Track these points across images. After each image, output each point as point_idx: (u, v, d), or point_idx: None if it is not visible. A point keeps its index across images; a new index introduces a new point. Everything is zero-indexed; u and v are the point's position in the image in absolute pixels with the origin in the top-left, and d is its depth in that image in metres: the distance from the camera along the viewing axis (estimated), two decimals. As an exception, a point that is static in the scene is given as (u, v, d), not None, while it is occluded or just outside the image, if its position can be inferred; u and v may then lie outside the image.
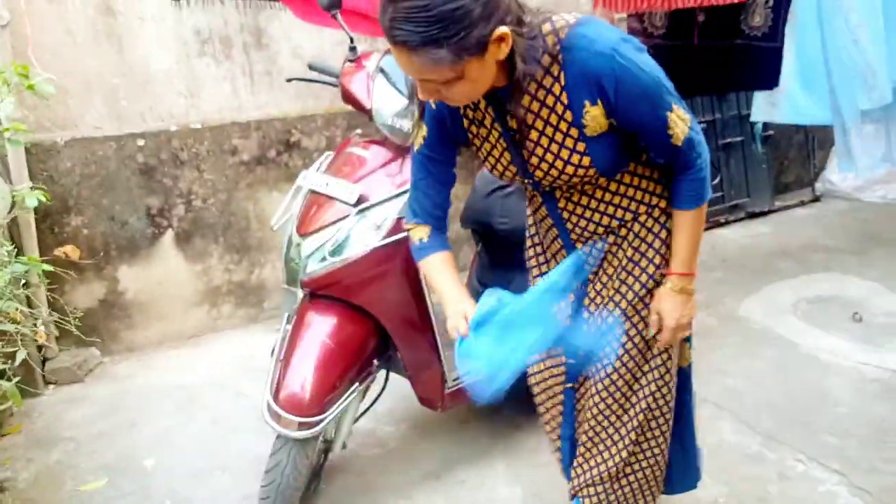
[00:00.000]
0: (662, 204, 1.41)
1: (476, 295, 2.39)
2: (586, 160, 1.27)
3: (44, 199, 2.20)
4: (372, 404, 2.19)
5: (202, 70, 3.28)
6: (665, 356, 1.46)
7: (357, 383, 1.92)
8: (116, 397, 2.75)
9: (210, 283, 3.19)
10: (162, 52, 3.15)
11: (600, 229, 1.42)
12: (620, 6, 2.78)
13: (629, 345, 1.45)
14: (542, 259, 1.61)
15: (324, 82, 2.15)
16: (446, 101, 1.23)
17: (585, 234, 1.43)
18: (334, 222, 1.87)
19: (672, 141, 1.26)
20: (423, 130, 1.40)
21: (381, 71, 1.97)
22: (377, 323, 1.93)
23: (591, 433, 1.55)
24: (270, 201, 3.23)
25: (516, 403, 2.46)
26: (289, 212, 2.04)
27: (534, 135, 1.28)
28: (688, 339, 1.56)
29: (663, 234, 1.42)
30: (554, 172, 1.30)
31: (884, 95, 3.40)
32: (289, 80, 2.17)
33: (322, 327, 1.89)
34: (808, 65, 3.41)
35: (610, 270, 1.45)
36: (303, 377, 1.80)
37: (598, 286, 1.47)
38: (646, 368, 1.47)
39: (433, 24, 1.06)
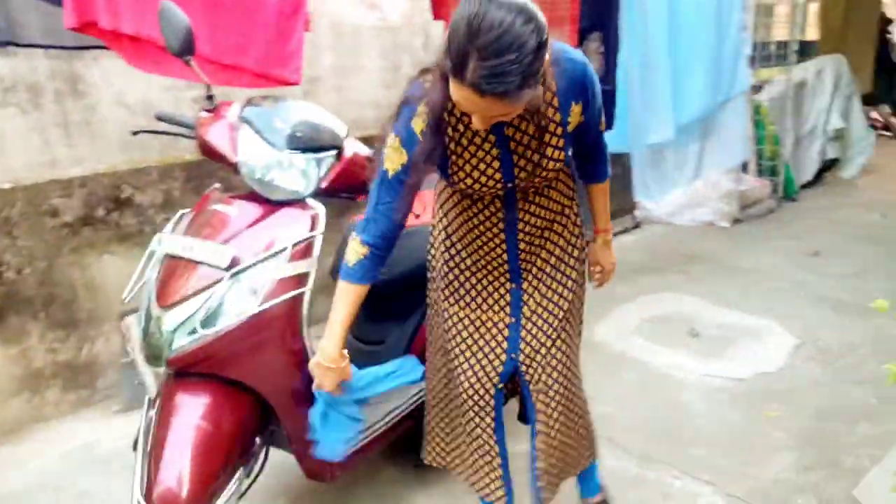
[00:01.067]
0: (575, 208, 1.75)
1: (351, 350, 2.29)
2: (562, 154, 1.53)
3: None
4: (250, 486, 1.97)
5: (5, 121, 2.87)
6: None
7: (241, 467, 1.72)
8: (-83, 520, 2.25)
9: (29, 367, 2.74)
10: (-48, 102, 2.72)
11: (543, 223, 1.68)
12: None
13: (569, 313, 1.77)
14: (458, 270, 1.76)
15: (176, 134, 1.95)
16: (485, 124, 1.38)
17: (533, 229, 1.67)
18: (203, 289, 1.67)
19: (600, 128, 1.66)
20: (404, 156, 1.48)
21: (245, 121, 1.83)
22: (256, 396, 1.75)
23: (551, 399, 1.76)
24: (101, 266, 2.86)
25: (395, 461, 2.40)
26: (142, 280, 1.80)
27: (525, 138, 1.49)
28: None
29: (577, 231, 1.77)
30: (537, 171, 1.53)
31: (668, 131, 3.91)
32: (135, 133, 1.94)
33: (195, 409, 1.67)
34: (622, 100, 3.77)
35: (544, 255, 1.72)
36: (179, 470, 1.58)
37: (535, 270, 1.72)
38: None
39: (521, 73, 1.21)
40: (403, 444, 2.30)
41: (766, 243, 4.75)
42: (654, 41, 3.77)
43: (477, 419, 1.78)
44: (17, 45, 2.74)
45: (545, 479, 1.78)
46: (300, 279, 1.73)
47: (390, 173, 1.50)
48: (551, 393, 1.75)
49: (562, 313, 1.74)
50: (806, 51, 6.09)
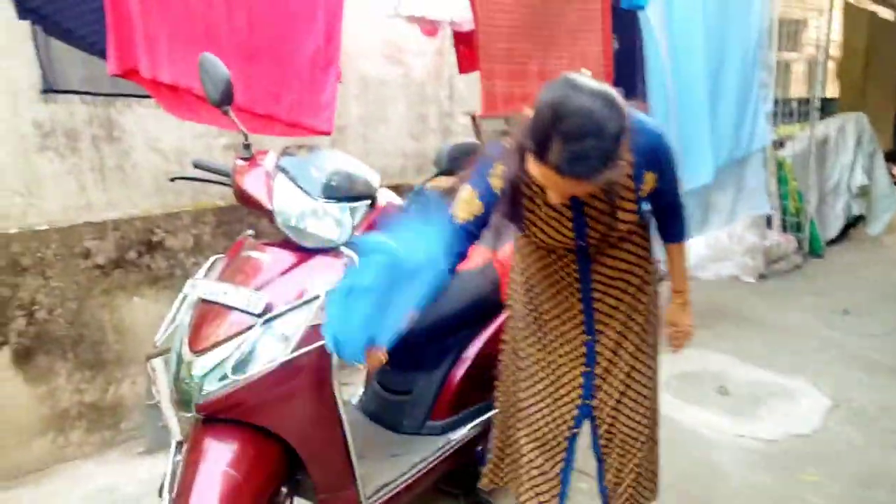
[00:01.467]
0: (648, 262, 1.78)
1: (376, 399, 2.27)
2: (634, 217, 1.61)
3: None
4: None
5: (43, 165, 2.94)
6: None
7: (266, 517, 1.69)
8: (-66, 561, 2.23)
9: (56, 407, 2.75)
10: (-5, 146, 2.79)
11: (616, 274, 1.73)
12: (498, 107, 2.91)
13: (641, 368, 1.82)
14: (537, 314, 1.84)
15: (213, 181, 1.98)
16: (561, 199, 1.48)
17: (606, 279, 1.74)
18: (235, 335, 1.67)
19: (677, 192, 1.70)
20: (477, 208, 1.55)
21: (281, 170, 1.86)
22: (283, 444, 1.73)
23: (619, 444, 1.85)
24: (131, 309, 2.89)
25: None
26: (174, 324, 1.81)
27: (598, 203, 1.57)
28: None
29: (649, 285, 1.80)
30: (609, 232, 1.62)
31: (708, 175, 3.90)
32: (172, 179, 1.98)
33: (223, 455, 1.65)
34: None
35: (618, 307, 1.77)
36: (205, 519, 1.55)
37: (610, 322, 1.79)
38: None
39: (602, 157, 1.28)
40: (429, 496, 2.26)
41: (794, 300, 4.68)
42: (680, 96, 3.80)
43: (546, 458, 1.86)
44: (56, 91, 2.84)
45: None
46: (332, 327, 1.72)
47: (459, 220, 1.56)
48: (617, 438, 1.84)
49: (629, 365, 1.81)
50: (827, 108, 6.12)
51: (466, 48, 3.43)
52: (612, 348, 1.81)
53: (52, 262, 2.68)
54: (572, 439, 1.86)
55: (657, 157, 1.56)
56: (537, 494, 1.89)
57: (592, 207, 1.59)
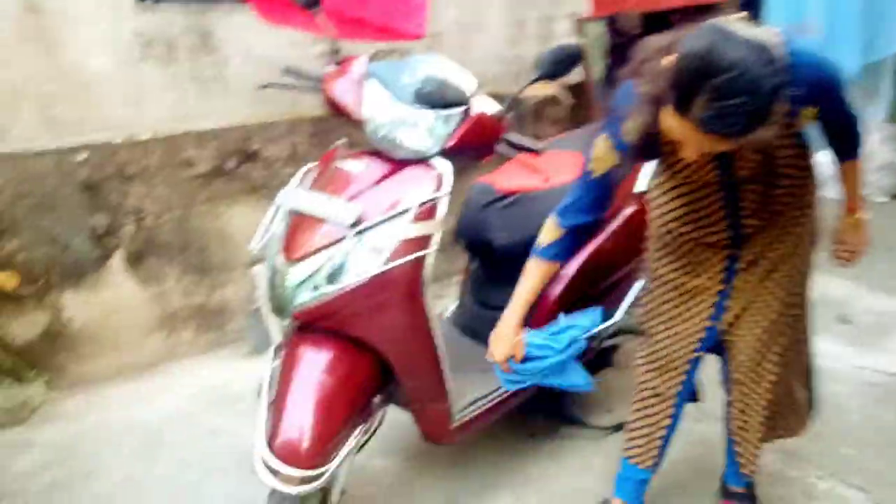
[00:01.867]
0: (810, 178, 1.60)
1: (471, 314, 2.23)
2: (791, 151, 1.48)
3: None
4: (367, 441, 1.98)
5: (146, 75, 2.98)
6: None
7: (360, 424, 1.72)
8: (68, 440, 2.45)
9: (167, 308, 2.91)
10: (99, 56, 2.84)
11: (769, 196, 1.55)
12: (610, 6, 2.67)
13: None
14: (673, 258, 1.73)
15: (303, 88, 1.93)
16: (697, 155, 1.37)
17: (755, 202, 1.56)
18: (327, 246, 1.65)
19: (847, 111, 1.49)
20: (614, 159, 1.54)
21: (372, 76, 1.77)
22: (377, 355, 1.74)
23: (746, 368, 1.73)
24: (231, 216, 2.96)
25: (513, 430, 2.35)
26: (268, 233, 1.82)
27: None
28: None
29: (808, 209, 1.64)
30: (758, 165, 1.48)
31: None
32: (263, 87, 1.94)
33: (318, 364, 1.68)
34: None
35: (770, 226, 1.60)
36: (301, 423, 1.60)
37: (758, 239, 1.62)
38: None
39: (751, 116, 1.17)
40: (520, 414, 2.25)
41: (930, 221, 4.24)
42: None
43: (664, 379, 1.78)
44: (155, 0, 2.84)
45: (742, 447, 1.82)
46: (424, 241, 1.68)
47: (596, 174, 1.57)
48: (747, 362, 1.71)
49: (776, 283, 1.66)
50: None
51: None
52: (756, 266, 1.65)
53: (156, 170, 2.77)
54: (694, 363, 1.76)
55: (818, 92, 1.37)
56: (646, 416, 1.82)
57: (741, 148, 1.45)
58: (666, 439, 1.83)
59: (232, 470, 2.26)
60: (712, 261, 1.67)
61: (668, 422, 1.81)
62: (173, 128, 2.89)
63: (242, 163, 2.96)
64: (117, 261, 2.76)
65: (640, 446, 1.84)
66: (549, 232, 1.69)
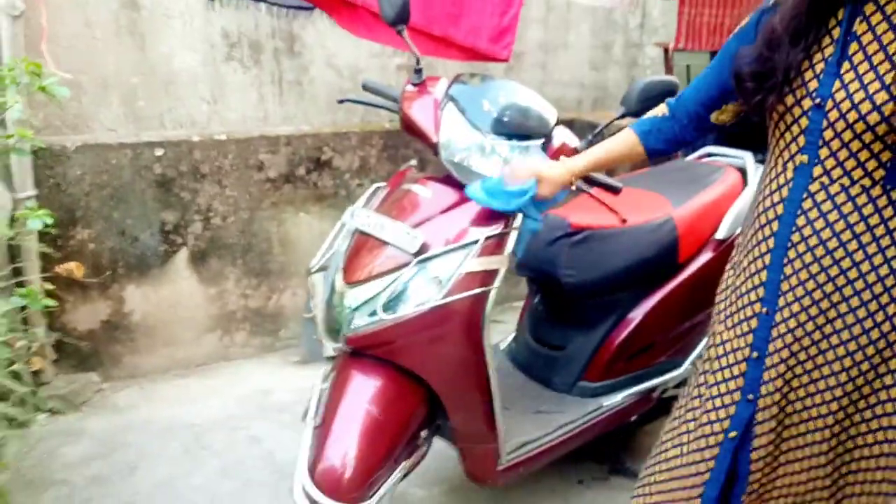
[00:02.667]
0: None
1: (527, 350, 2.13)
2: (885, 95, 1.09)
3: (49, 221, 1.92)
4: (409, 471, 1.91)
5: (228, 75, 3.03)
6: None
7: (404, 458, 1.66)
8: (116, 433, 2.47)
9: (224, 308, 2.92)
10: (186, 53, 2.90)
11: (834, 243, 1.19)
12: (703, 44, 2.56)
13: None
14: (729, 292, 1.39)
15: (380, 106, 1.89)
16: None
17: (809, 251, 1.22)
18: (389, 272, 1.60)
19: None
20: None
21: (452, 99, 1.71)
22: (427, 388, 1.67)
23: None
24: (296, 223, 2.96)
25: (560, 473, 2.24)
26: (331, 251, 1.78)
27: (860, 57, 1.13)
28: None
29: None
30: (853, 113, 1.13)
31: None
32: (341, 102, 1.91)
33: (366, 392, 1.62)
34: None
35: (821, 320, 1.24)
36: (345, 453, 1.54)
37: (805, 295, 1.24)
38: None
39: None
40: (570, 458, 2.15)
41: None
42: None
43: (686, 461, 1.41)
44: (244, -1, 2.87)
45: None
46: (488, 275, 1.60)
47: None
48: (778, 470, 1.34)
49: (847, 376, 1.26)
50: None
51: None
52: (804, 337, 1.27)
53: (228, 171, 2.79)
54: (725, 444, 1.35)
55: None
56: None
57: (854, 61, 1.15)
58: None
59: (268, 483, 2.24)
60: (742, 314, 1.35)
61: None
62: (249, 129, 2.92)
63: (312, 171, 2.95)
64: (181, 258, 2.78)
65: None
66: (655, 109, 1.53)
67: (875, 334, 1.21)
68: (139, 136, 2.69)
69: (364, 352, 1.65)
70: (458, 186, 1.70)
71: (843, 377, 1.24)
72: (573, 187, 1.64)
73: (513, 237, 1.63)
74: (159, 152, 2.65)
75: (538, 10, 3.79)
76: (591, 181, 1.77)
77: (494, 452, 1.81)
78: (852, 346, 1.22)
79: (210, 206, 2.78)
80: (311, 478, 1.51)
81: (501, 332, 2.44)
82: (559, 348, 2.16)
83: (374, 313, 1.59)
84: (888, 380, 1.23)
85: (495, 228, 1.61)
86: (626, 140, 1.53)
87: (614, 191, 1.78)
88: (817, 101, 1.17)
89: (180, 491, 2.19)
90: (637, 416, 2.17)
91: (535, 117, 1.70)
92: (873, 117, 1.11)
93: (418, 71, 1.78)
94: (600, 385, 2.11)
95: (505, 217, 1.62)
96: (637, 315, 2.10)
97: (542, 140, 1.70)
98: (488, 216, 1.62)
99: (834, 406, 1.26)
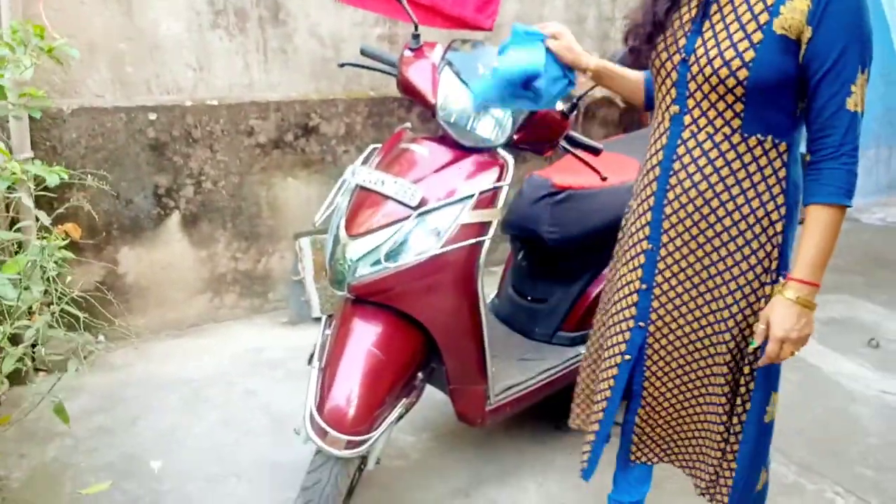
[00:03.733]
0: (775, 188, 1.34)
1: (510, 304, 2.27)
2: (749, 54, 1.23)
3: (65, 176, 2.00)
4: (408, 409, 2.05)
5: (214, 42, 3.07)
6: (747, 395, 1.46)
7: (403, 397, 1.79)
8: (115, 389, 2.57)
9: (215, 271, 3.01)
10: (173, 19, 2.94)
11: (704, 185, 1.36)
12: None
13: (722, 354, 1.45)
14: (624, 232, 1.58)
15: (379, 70, 1.99)
16: None
17: (687, 185, 1.38)
18: (390, 224, 1.72)
19: (847, 104, 1.21)
20: None
21: (448, 63, 1.83)
22: (425, 333, 1.81)
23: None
24: (284, 188, 3.05)
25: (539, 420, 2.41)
26: (332, 206, 1.89)
27: (717, 17, 1.29)
28: (775, 387, 1.49)
29: (777, 238, 1.36)
30: (708, 68, 1.28)
31: None
32: (341, 65, 2.01)
33: (369, 336, 1.75)
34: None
35: (699, 223, 1.39)
36: (349, 390, 1.67)
37: (681, 235, 1.42)
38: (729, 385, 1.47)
39: None
40: (548, 407, 2.31)
41: (971, 256, 4.21)
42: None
43: (593, 379, 1.69)
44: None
45: (639, 441, 1.64)
46: (482, 227, 1.74)
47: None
48: (667, 387, 1.54)
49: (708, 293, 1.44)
50: None
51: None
52: (679, 271, 1.44)
53: (219, 136, 2.86)
54: (622, 366, 1.54)
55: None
56: (578, 416, 1.76)
57: (714, 20, 1.30)
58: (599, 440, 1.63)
59: (267, 432, 2.36)
60: (635, 248, 1.53)
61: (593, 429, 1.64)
62: (237, 95, 2.98)
63: (300, 136, 3.04)
64: (173, 221, 2.86)
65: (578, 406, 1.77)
66: None
67: (753, 261, 1.37)
68: (132, 101, 2.74)
69: (367, 299, 1.77)
70: (453, 146, 1.83)
71: (733, 307, 1.40)
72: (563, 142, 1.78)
73: (504, 191, 1.76)
74: (153, 116, 2.71)
75: (516, -16, 3.89)
76: (573, 142, 1.92)
77: (484, 394, 1.96)
78: (733, 274, 1.39)
79: (202, 170, 2.85)
80: (319, 414, 1.64)
81: (486, 295, 2.57)
82: (541, 301, 2.32)
83: (376, 262, 1.71)
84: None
85: (490, 183, 1.74)
86: (636, 78, 1.63)
87: (595, 152, 1.93)
88: (683, 55, 1.34)
89: (182, 440, 2.31)
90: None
91: (525, 82, 1.82)
92: (723, 72, 1.26)
93: (416, 37, 1.89)
94: (578, 335, 2.28)
95: (498, 172, 1.75)
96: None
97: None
98: (483, 172, 1.75)
99: (735, 331, 1.41)
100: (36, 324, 2.45)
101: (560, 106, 1.92)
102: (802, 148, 1.34)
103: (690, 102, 1.35)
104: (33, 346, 2.52)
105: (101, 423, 2.37)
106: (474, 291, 1.79)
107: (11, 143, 2.36)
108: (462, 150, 1.82)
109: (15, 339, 2.21)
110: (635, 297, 1.51)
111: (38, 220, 2.18)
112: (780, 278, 1.36)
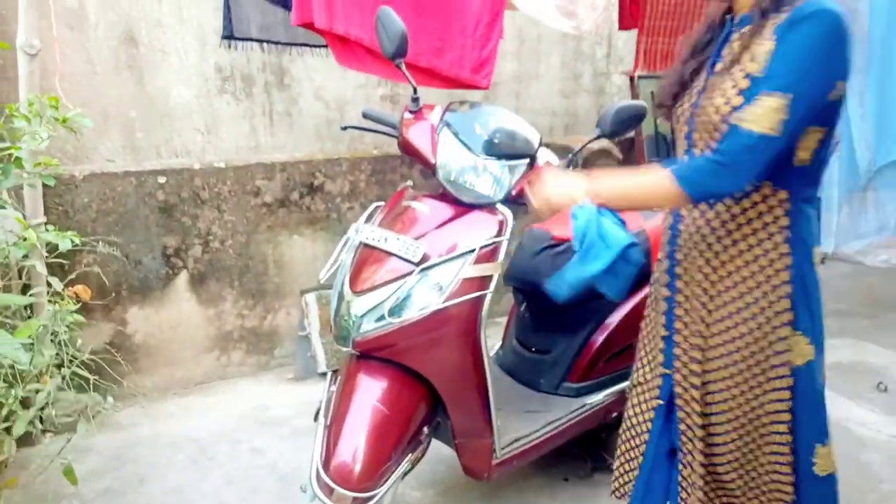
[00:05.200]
0: (784, 248, 1.35)
1: (514, 355, 2.29)
2: (737, 100, 1.28)
3: (77, 241, 2.06)
4: (414, 465, 2.05)
5: (221, 107, 3.19)
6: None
7: (409, 453, 1.80)
8: (122, 449, 2.57)
9: (222, 328, 3.05)
10: (182, 87, 3.07)
11: (707, 231, 1.41)
12: (658, 68, 2.80)
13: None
14: (653, 279, 1.62)
15: (380, 132, 2.07)
16: None
17: (691, 228, 1.44)
18: (393, 280, 1.77)
19: (733, 118, 1.27)
20: None
21: (447, 124, 1.90)
22: (429, 388, 1.83)
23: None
24: (290, 245, 3.11)
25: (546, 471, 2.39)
26: (336, 264, 1.94)
27: (722, 75, 1.34)
28: (819, 439, 1.48)
29: (784, 289, 1.36)
30: (705, 116, 1.34)
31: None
32: (344, 128, 2.09)
33: (374, 391, 1.77)
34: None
35: (702, 265, 1.44)
36: (355, 446, 1.68)
37: (691, 280, 1.47)
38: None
39: None
40: (556, 458, 2.31)
41: (975, 297, 4.21)
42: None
43: (633, 435, 1.66)
44: (236, 39, 3.04)
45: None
46: (484, 281, 1.78)
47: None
48: (697, 431, 1.51)
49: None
50: None
51: (633, 1, 3.30)
52: (691, 318, 1.48)
53: (227, 197, 2.94)
54: (657, 410, 1.58)
55: (791, 23, 1.24)
56: (620, 475, 1.72)
57: (719, 73, 1.36)
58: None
59: (273, 490, 2.35)
60: (658, 295, 1.59)
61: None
62: (244, 158, 3.08)
63: (305, 195, 3.11)
64: (182, 280, 2.91)
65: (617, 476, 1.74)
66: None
67: (756, 310, 1.39)
68: (142, 166, 2.83)
69: (371, 354, 1.80)
70: (453, 203, 1.89)
71: (736, 355, 1.42)
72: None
73: (504, 245, 1.81)
74: (162, 179, 2.79)
75: (512, 44, 4.03)
76: None
77: (490, 447, 1.96)
78: (736, 322, 1.41)
79: (209, 230, 2.92)
80: (325, 471, 1.65)
81: (491, 347, 2.60)
82: (544, 352, 2.34)
83: (380, 318, 1.74)
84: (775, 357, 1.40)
85: (489, 238, 1.79)
86: (648, 173, 1.44)
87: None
88: (693, 110, 1.40)
89: (190, 498, 2.30)
90: (617, 413, 2.34)
91: (522, 139, 1.90)
92: (716, 118, 1.31)
93: (415, 99, 1.97)
94: (583, 385, 2.29)
95: (498, 227, 1.80)
96: (614, 320, 2.30)
97: (527, 159, 1.89)
98: (483, 227, 1.80)
99: (738, 378, 1.43)
100: (47, 387, 2.48)
101: (556, 162, 1.98)
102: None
103: (696, 152, 1.40)
104: (42, 408, 2.55)
105: (108, 484, 2.37)
106: (478, 345, 1.82)
107: (25, 209, 2.42)
108: (462, 207, 1.88)
109: (25, 402, 2.24)
110: (661, 344, 1.56)
111: (49, 285, 2.24)
112: (794, 334, 1.37)
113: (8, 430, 2.14)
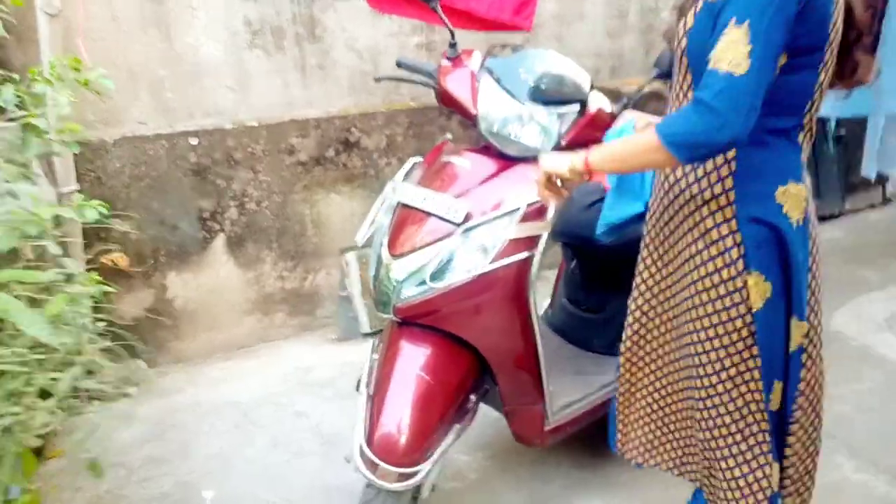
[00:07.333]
0: (728, 182, 1.30)
1: (565, 314, 2.17)
2: (689, 23, 1.24)
3: (104, 211, 1.99)
4: (460, 435, 1.96)
5: (252, 63, 3.06)
6: None
7: (456, 423, 1.71)
8: (166, 415, 2.56)
9: (262, 291, 2.99)
10: (211, 43, 2.94)
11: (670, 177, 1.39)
12: None
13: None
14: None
15: (416, 82, 1.93)
16: None
17: (658, 176, 1.45)
18: (434, 242, 1.65)
19: (708, 57, 1.14)
20: None
21: (488, 71, 1.75)
22: (475, 354, 1.72)
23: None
24: (328, 204, 3.02)
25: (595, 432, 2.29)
26: (374, 225, 1.82)
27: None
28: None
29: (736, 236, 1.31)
30: (675, 42, 1.32)
31: None
32: (378, 80, 1.95)
33: (417, 360, 1.68)
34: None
35: (667, 221, 1.45)
36: (400, 420, 1.60)
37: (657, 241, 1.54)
38: None
39: None
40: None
41: None
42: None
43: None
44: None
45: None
46: (531, 241, 1.65)
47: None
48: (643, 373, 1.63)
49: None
50: None
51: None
52: (654, 284, 1.60)
53: (260, 156, 2.84)
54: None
55: None
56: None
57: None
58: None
59: (318, 453, 2.32)
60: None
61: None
62: (277, 115, 2.96)
63: (341, 152, 3.00)
64: (219, 243, 2.85)
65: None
66: None
67: (701, 246, 1.37)
68: (173, 127, 2.74)
69: (413, 321, 1.70)
70: (497, 156, 1.74)
71: (695, 299, 1.41)
72: None
73: (553, 202, 1.67)
74: (194, 141, 2.71)
75: (553, -19, 3.78)
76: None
77: (541, 413, 1.86)
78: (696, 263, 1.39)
79: (244, 191, 2.84)
80: (368, 445, 1.57)
81: (539, 306, 2.48)
82: (597, 311, 2.21)
83: (422, 283, 1.64)
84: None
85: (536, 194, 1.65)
86: (639, 134, 1.56)
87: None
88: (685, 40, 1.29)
89: (234, 464, 2.28)
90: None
91: (571, 83, 1.73)
92: (677, 43, 1.30)
93: (453, 45, 1.81)
94: (639, 346, 2.15)
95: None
96: None
97: (578, 105, 1.73)
98: (530, 182, 1.66)
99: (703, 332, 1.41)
100: (83, 358, 2.47)
101: (610, 107, 1.81)
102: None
103: (677, 79, 1.36)
104: (81, 379, 2.54)
105: (152, 452, 2.36)
106: (527, 309, 1.70)
107: (56, 176, 2.37)
108: (507, 160, 1.74)
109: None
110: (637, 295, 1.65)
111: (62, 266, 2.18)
112: (747, 273, 1.31)
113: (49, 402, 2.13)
